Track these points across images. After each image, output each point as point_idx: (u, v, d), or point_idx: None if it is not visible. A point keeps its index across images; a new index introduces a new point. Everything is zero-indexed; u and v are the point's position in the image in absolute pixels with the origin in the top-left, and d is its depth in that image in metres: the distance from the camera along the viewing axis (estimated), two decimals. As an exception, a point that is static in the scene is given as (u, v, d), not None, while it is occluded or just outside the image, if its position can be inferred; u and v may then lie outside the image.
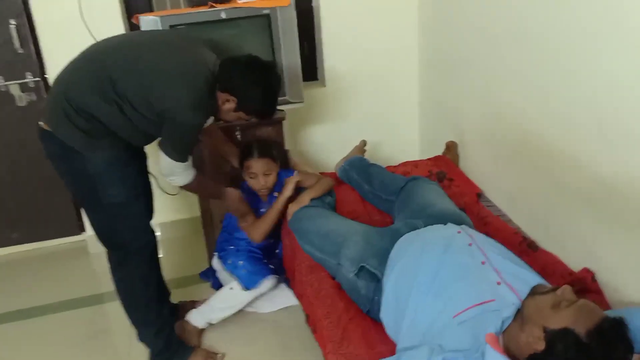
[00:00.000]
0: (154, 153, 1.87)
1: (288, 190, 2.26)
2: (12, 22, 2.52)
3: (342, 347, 1.65)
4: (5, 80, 2.62)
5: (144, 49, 1.80)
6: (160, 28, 2.14)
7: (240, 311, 2.26)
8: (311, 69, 2.99)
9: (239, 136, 2.41)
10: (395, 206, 2.19)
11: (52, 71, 2.55)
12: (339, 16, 2.82)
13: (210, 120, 2.05)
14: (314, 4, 2.85)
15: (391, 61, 2.99)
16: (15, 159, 2.78)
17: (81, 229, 2.99)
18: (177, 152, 1.80)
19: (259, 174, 2.22)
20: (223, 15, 2.19)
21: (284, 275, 2.33)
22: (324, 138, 3.07)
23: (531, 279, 1.50)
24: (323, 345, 1.73)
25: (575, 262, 1.84)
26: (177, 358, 2.06)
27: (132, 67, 1.74)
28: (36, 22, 2.55)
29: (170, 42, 1.87)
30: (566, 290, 1.27)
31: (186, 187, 1.95)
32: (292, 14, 2.27)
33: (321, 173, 2.55)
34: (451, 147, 2.70)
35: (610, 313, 1.29)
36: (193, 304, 2.31)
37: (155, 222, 2.02)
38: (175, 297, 2.34)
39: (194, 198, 2.62)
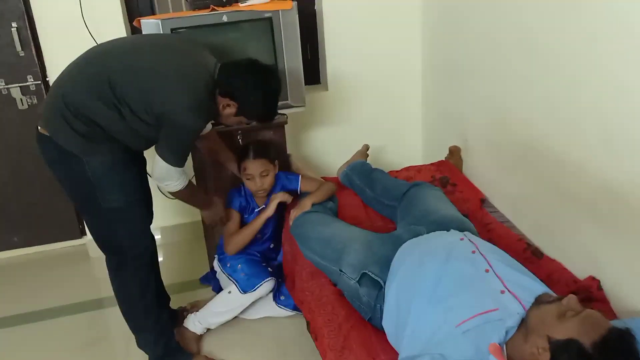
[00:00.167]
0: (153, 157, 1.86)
1: (270, 210, 2.24)
2: (14, 24, 2.52)
3: (343, 356, 1.62)
4: (7, 83, 2.62)
5: (144, 52, 1.79)
6: (162, 31, 2.13)
7: (239, 318, 2.25)
8: (314, 72, 2.97)
9: (240, 140, 2.39)
10: (398, 212, 2.17)
11: (53, 74, 2.54)
12: (342, 19, 2.81)
13: (209, 126, 2.05)
14: (316, 7, 2.84)
15: (394, 65, 2.97)
16: (16, 162, 2.78)
17: (82, 233, 2.98)
18: (175, 157, 1.79)
19: (255, 175, 2.20)
20: (225, 19, 2.18)
21: (282, 280, 2.31)
22: (326, 142, 3.05)
23: (536, 287, 1.47)
24: (323, 354, 1.71)
25: (579, 270, 1.81)
26: (176, 364, 2.05)
27: (132, 71, 1.72)
28: (37, 25, 2.55)
29: (171, 45, 1.86)
30: (572, 300, 1.24)
31: (178, 194, 1.92)
32: (295, 17, 2.25)
33: (323, 178, 2.53)
34: (454, 152, 2.67)
35: (616, 323, 1.26)
36: (193, 307, 2.29)
37: (156, 226, 2.01)
38: (176, 303, 2.32)
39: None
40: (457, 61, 2.59)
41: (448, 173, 2.55)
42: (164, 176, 1.82)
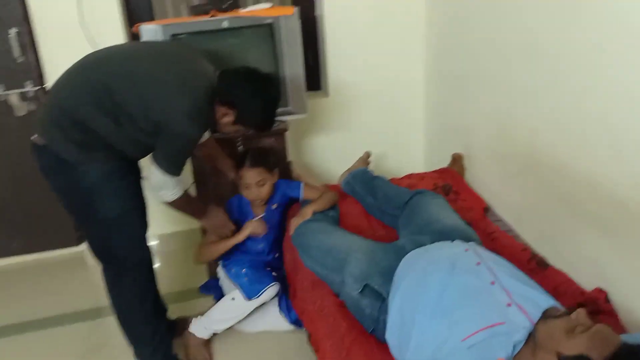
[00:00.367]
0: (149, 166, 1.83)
1: (242, 235, 2.19)
2: (12, 30, 2.50)
3: (345, 369, 1.59)
4: (5, 90, 2.59)
5: (143, 59, 1.76)
6: (162, 37, 2.11)
7: (239, 330, 2.21)
8: (315, 78, 2.95)
9: (240, 147, 2.36)
10: (400, 221, 2.14)
11: (52, 80, 2.50)
12: (344, 25, 2.78)
13: (207, 135, 2.02)
14: (318, 13, 2.82)
15: (396, 71, 2.94)
16: (14, 169, 2.75)
17: (80, 240, 2.94)
18: (171, 165, 1.76)
19: (252, 184, 2.16)
20: (225, 25, 2.16)
21: (286, 287, 2.27)
22: (328, 149, 3.03)
23: (542, 300, 1.43)
24: (325, 367, 1.67)
25: (585, 281, 1.78)
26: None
27: (130, 78, 1.69)
28: (36, 30, 2.52)
29: (170, 52, 1.83)
30: (581, 315, 1.21)
31: (173, 204, 1.88)
32: (296, 24, 2.22)
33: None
34: (457, 159, 2.64)
35: (626, 338, 1.23)
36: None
37: (154, 234, 1.98)
38: (174, 312, 2.28)
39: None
40: (461, 69, 2.56)
41: (451, 181, 2.52)
42: (160, 185, 1.79)
